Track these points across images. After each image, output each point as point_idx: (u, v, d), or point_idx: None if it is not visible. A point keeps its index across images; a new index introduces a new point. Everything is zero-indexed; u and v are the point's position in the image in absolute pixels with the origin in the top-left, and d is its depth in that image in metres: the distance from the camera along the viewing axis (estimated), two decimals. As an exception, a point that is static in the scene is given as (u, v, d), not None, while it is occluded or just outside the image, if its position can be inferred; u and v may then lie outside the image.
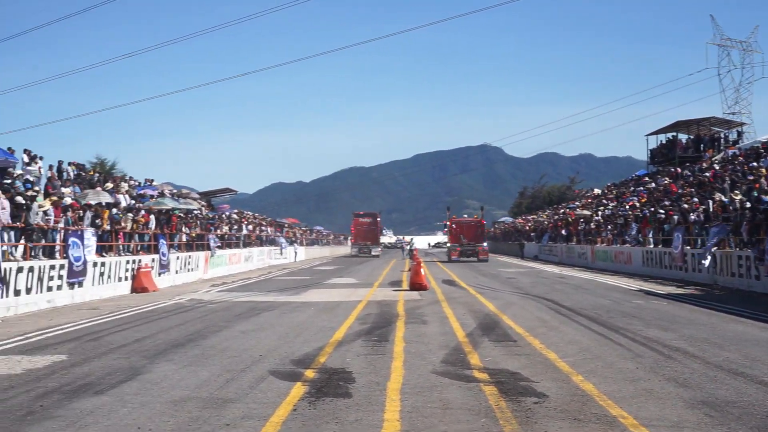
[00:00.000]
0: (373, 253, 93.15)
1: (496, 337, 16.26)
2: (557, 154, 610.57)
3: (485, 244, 72.79)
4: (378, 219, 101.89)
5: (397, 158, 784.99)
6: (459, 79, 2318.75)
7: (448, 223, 77.24)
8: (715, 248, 31.54)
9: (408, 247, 78.11)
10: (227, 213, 64.57)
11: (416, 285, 30.38)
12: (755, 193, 32.90)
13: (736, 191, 35.57)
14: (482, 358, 13.36)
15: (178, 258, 38.45)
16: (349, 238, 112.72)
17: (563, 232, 67.38)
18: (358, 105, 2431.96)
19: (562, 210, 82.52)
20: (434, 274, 42.82)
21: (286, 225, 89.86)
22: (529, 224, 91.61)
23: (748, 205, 31.36)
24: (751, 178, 36.92)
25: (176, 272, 37.82)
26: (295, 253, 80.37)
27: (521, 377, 11.63)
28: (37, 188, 30.62)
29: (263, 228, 72.05)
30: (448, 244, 72.74)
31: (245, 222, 65.59)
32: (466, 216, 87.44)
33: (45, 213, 27.01)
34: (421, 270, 31.55)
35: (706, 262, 30.75)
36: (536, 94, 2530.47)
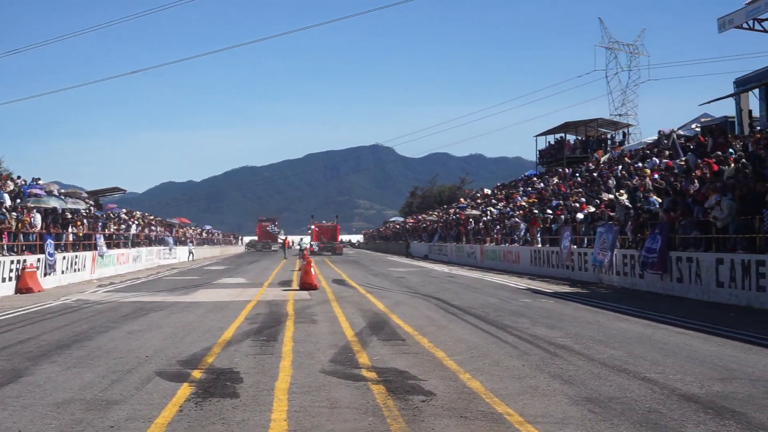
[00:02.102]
0: (272, 249, 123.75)
1: (385, 336, 16.32)
2: (448, 155, 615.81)
3: (340, 242, 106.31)
4: (276, 223, 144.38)
5: (288, 158, 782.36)
6: (351, 79, 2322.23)
7: (312, 227, 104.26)
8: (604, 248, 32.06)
9: (298, 247, 78.22)
10: (115, 212, 63.62)
11: (306, 284, 30.30)
12: (640, 194, 33.56)
13: (622, 191, 36.22)
14: (371, 357, 13.39)
15: (64, 258, 37.74)
16: (240, 237, 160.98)
17: (453, 231, 68.01)
18: (249, 104, 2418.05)
19: (452, 210, 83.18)
20: (325, 273, 42.82)
21: (176, 225, 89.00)
22: (421, 224, 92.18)
23: (631, 205, 31.99)
24: (636, 179, 37.64)
25: (63, 272, 37.12)
26: (191, 252, 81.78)
27: (409, 376, 11.67)
28: None
29: (152, 228, 71.20)
30: (313, 243, 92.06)
31: (134, 222, 64.73)
32: (325, 222, 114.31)
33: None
34: (312, 270, 31.49)
35: (606, 261, 31.12)
36: (428, 95, 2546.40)
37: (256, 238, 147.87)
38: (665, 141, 42.79)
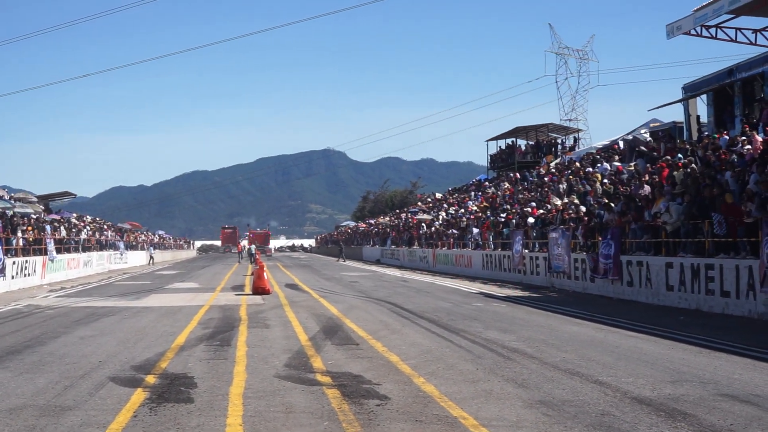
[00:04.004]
0: (233, 251, 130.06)
1: (339, 340, 16.34)
2: (399, 159, 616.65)
3: (270, 246, 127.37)
4: (237, 230, 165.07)
5: (240, 162, 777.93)
6: (302, 83, 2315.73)
7: (248, 233, 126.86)
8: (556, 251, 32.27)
9: (247, 252, 78.14)
10: (65, 216, 63.16)
11: (259, 289, 30.18)
12: (591, 199, 33.82)
13: (573, 196, 36.51)
14: (325, 362, 13.40)
15: (14, 263, 37.36)
16: (192, 242, 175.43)
17: (405, 236, 68.15)
18: (200, 108, 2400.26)
19: (404, 214, 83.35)
20: (277, 278, 42.69)
21: (128, 229, 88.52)
22: (374, 228, 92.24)
23: (584, 209, 32.25)
24: (584, 185, 37.95)
25: (12, 277, 36.72)
26: (151, 256, 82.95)
27: (364, 380, 11.71)
28: None
29: (104, 232, 70.71)
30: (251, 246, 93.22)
31: (83, 225, 64.25)
32: (259, 229, 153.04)
33: None
34: (264, 274, 31.37)
35: (564, 265, 31.23)
36: (378, 99, 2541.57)
37: (208, 242, 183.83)
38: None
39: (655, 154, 35.48)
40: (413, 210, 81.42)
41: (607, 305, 24.48)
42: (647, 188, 28.19)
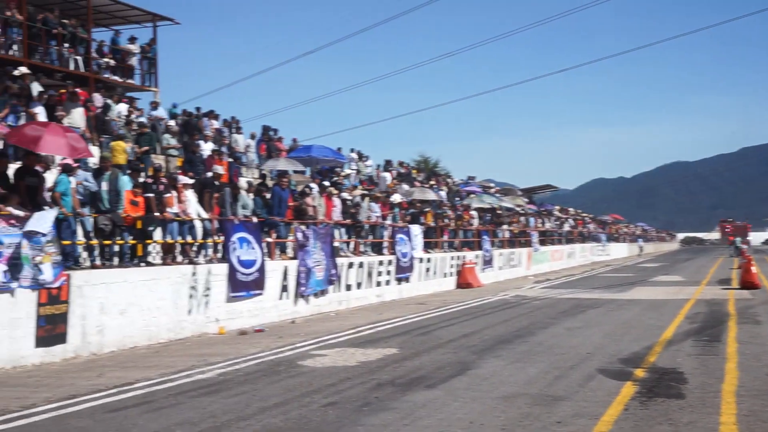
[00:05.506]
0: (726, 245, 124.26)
1: (838, 339, 15.42)
2: None
3: (748, 237, 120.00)
4: (733, 222, 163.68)
5: (722, 152, 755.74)
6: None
7: (727, 226, 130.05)
8: None
9: (734, 245, 75.60)
10: (548, 209, 64.48)
11: (747, 283, 29.11)
12: None
13: None
14: (827, 363, 12.69)
15: (500, 254, 38.80)
16: (674, 234, 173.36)
17: None
18: (681, 97, 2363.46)
19: None
20: (766, 272, 40.93)
21: (609, 221, 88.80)
22: None
23: None
24: None
25: (499, 268, 38.17)
26: (641, 247, 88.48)
27: None
28: (365, 186, 31.80)
29: (586, 224, 71.43)
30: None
31: (566, 218, 65.27)
32: (738, 222, 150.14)
33: (372, 210, 27.93)
34: (752, 268, 30.18)
35: None
36: None
37: (691, 234, 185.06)
38: None
39: None
40: None
41: None
42: None
